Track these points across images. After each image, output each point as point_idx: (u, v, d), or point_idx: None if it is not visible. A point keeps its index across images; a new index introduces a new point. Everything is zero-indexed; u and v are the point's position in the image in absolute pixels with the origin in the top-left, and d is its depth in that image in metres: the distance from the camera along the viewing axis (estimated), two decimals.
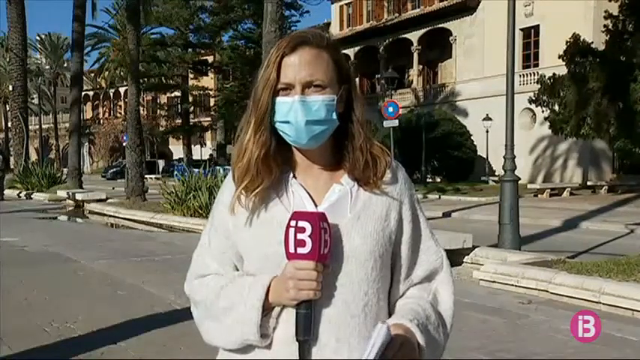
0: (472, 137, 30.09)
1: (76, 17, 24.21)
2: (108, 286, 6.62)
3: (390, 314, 1.34)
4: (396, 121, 17.80)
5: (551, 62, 24.76)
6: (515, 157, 9.49)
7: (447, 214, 16.25)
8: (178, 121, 51.35)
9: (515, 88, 10.27)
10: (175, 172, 21.74)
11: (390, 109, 17.61)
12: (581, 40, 20.48)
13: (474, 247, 7.84)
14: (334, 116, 1.27)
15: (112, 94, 63.69)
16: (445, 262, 1.40)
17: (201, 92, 49.60)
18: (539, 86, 22.11)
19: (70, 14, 25.57)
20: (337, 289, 1.24)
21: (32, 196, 21.71)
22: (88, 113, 62.58)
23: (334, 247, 1.22)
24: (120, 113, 58.42)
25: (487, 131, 28.23)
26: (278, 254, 1.21)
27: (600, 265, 6.41)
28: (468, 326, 4.86)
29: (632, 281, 5.77)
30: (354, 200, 1.30)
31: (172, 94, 53.30)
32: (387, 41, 38.11)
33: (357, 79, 40.22)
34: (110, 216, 15.52)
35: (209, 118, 51.52)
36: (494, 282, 6.56)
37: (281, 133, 1.28)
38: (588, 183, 26.57)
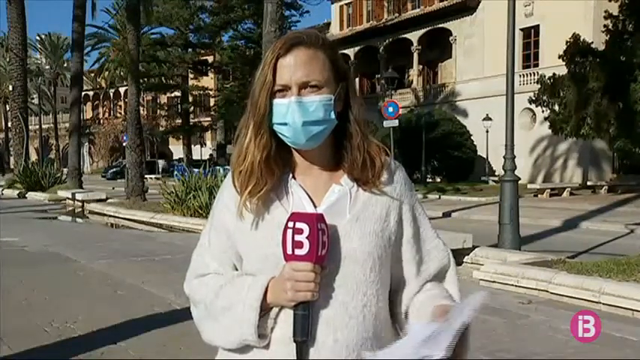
0: (472, 137, 30.09)
1: (76, 17, 24.22)
2: (108, 286, 6.62)
3: (392, 314, 1.34)
4: (396, 121, 17.81)
5: (551, 62, 24.76)
6: (515, 157, 9.49)
7: (447, 214, 16.25)
8: (178, 121, 51.36)
9: (515, 88, 10.27)
10: (175, 172, 21.71)
11: (390, 109, 17.61)
12: (581, 40, 20.47)
13: (474, 247, 7.84)
14: (332, 116, 1.27)
15: (112, 94, 63.70)
16: (452, 260, 1.41)
17: (201, 92, 49.62)
18: (539, 86, 22.10)
19: (70, 14, 25.59)
20: (335, 290, 1.24)
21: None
22: (88, 113, 62.59)
23: (332, 248, 1.21)
24: (120, 113, 58.42)
25: (487, 131, 28.24)
26: (276, 255, 1.21)
27: (600, 265, 6.41)
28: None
29: (632, 281, 5.77)
30: (353, 201, 1.30)
31: (172, 94, 53.30)
32: (387, 41, 38.10)
33: (357, 79, 40.29)
34: (110, 216, 15.51)
35: (209, 118, 51.53)
36: (494, 282, 6.57)
37: (279, 135, 1.28)
38: (588, 183, 26.57)
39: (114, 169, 46.39)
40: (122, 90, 55.87)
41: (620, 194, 22.87)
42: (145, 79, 42.92)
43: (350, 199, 1.29)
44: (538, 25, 30.06)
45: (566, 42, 20.69)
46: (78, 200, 18.50)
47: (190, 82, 49.98)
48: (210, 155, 48.65)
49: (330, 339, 1.23)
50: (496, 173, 25.45)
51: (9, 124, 38.24)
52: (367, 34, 39.25)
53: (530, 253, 8.14)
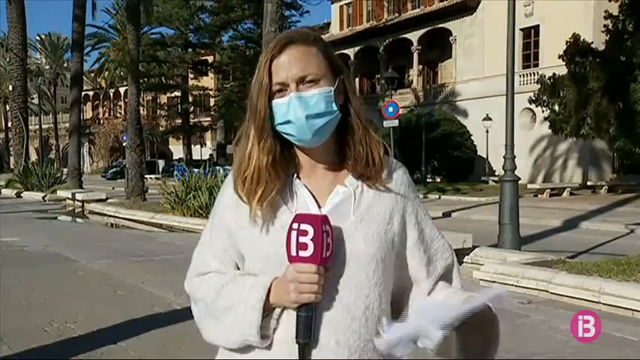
0: (472, 137, 30.10)
1: (76, 17, 24.22)
2: (108, 286, 6.62)
3: (395, 314, 1.34)
4: (396, 121, 17.81)
5: (551, 62, 24.76)
6: (515, 157, 9.49)
7: (447, 214, 16.25)
8: (178, 121, 51.39)
9: (515, 88, 10.27)
10: (175, 172, 21.71)
11: (390, 109, 17.61)
12: (581, 40, 20.47)
13: (473, 247, 7.84)
14: (334, 107, 1.27)
15: (112, 94, 63.70)
16: (455, 259, 1.42)
17: (201, 92, 49.65)
18: (539, 86, 22.11)
19: (70, 14, 25.58)
20: (338, 291, 1.24)
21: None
22: (88, 113, 62.59)
23: (336, 249, 1.21)
24: (120, 113, 58.42)
25: (487, 131, 28.24)
26: (280, 255, 1.21)
27: (600, 265, 6.41)
28: None
29: (632, 281, 5.77)
30: (358, 202, 1.29)
31: (172, 94, 53.33)
32: (387, 41, 38.10)
33: (357, 79, 40.30)
34: (110, 216, 15.51)
35: (209, 118, 51.54)
36: (494, 282, 6.56)
37: (284, 135, 1.28)
38: (588, 183, 26.57)
39: (114, 169, 46.40)
40: (122, 90, 55.88)
41: (620, 194, 22.87)
42: (145, 79, 42.94)
43: (354, 200, 1.29)
44: (538, 25, 30.06)
45: (566, 42, 20.69)
46: (78, 200, 18.50)
47: (190, 82, 50.00)
48: (210, 155, 48.67)
49: (332, 341, 1.22)
50: (496, 173, 25.45)
51: (9, 124, 38.24)
52: (367, 34, 39.25)
53: (530, 253, 8.13)
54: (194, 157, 46.55)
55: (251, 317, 1.23)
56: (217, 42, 47.06)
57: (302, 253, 1.16)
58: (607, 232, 12.69)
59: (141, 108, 24.58)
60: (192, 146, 50.88)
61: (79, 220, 15.87)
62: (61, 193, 20.28)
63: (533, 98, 22.16)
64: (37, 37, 64.94)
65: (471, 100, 32.74)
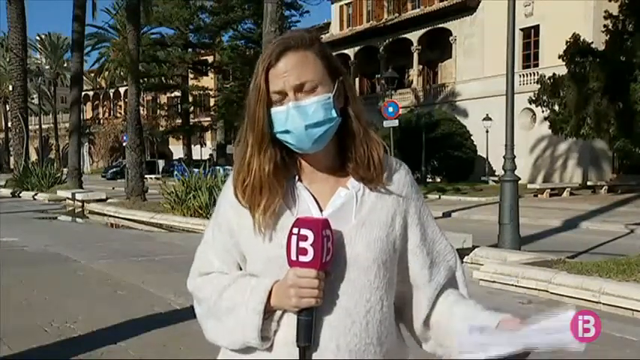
0: (472, 137, 30.09)
1: (76, 17, 24.21)
2: (108, 286, 6.62)
3: (398, 317, 1.34)
4: (396, 121, 17.81)
5: (551, 62, 24.76)
6: (515, 157, 9.49)
7: (447, 214, 16.24)
8: (178, 121, 51.36)
9: (515, 88, 10.27)
10: (175, 172, 21.71)
11: (390, 109, 17.62)
12: (581, 40, 20.47)
13: (474, 247, 7.85)
14: (334, 114, 1.25)
15: (112, 94, 63.71)
16: (459, 260, 1.41)
17: (201, 92, 49.62)
18: (539, 86, 22.10)
19: (70, 14, 25.62)
20: (339, 296, 1.23)
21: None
22: (88, 113, 62.60)
23: (337, 253, 1.20)
24: (120, 113, 58.42)
25: (487, 131, 28.24)
26: (280, 257, 1.20)
27: (600, 265, 6.40)
28: None
29: (632, 281, 5.77)
30: (359, 205, 1.28)
31: (172, 94, 53.31)
32: (387, 41, 38.10)
33: (357, 79, 40.27)
34: (110, 216, 15.51)
35: (209, 118, 51.51)
36: (494, 282, 6.56)
37: (284, 143, 1.27)
38: (588, 183, 26.57)
39: (114, 169, 46.37)
40: (122, 90, 55.88)
41: (620, 194, 22.87)
42: (145, 79, 42.91)
43: (356, 203, 1.28)
44: (538, 25, 30.06)
45: (566, 42, 20.69)
46: (78, 200, 18.51)
47: (190, 82, 49.97)
48: (210, 155, 48.66)
49: (332, 344, 1.22)
50: (496, 173, 25.44)
51: (9, 124, 38.21)
52: (367, 34, 39.24)
53: (530, 253, 8.13)
54: (194, 157, 46.51)
55: (252, 320, 1.23)
56: (217, 42, 47.04)
57: (302, 258, 1.16)
58: (607, 232, 12.68)
59: (141, 108, 24.56)
60: (192, 146, 50.85)
61: (79, 220, 15.86)
62: (61, 193, 20.28)
63: (533, 98, 22.15)
64: (37, 37, 64.97)
65: (471, 100, 32.73)
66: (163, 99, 57.67)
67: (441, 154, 28.94)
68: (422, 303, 1.34)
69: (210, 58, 48.74)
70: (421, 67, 37.59)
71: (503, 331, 1.18)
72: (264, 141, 1.26)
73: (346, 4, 42.65)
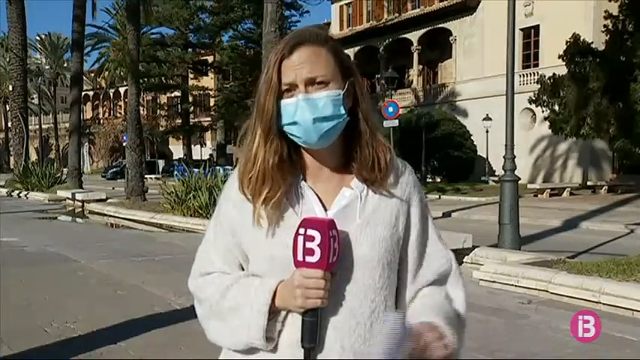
0: (472, 137, 30.10)
1: (76, 17, 24.21)
2: (108, 286, 6.62)
3: None
4: (396, 121, 17.81)
5: (551, 62, 24.75)
6: (515, 157, 9.49)
7: (447, 214, 16.24)
8: (178, 121, 51.35)
9: (515, 88, 10.27)
10: (175, 172, 21.71)
11: (390, 109, 17.62)
12: (581, 40, 20.47)
13: (473, 247, 7.84)
14: (342, 111, 1.25)
15: (112, 94, 63.70)
16: (454, 264, 1.38)
17: (201, 92, 49.62)
18: (539, 86, 22.09)
19: (70, 14, 25.58)
20: (344, 296, 1.23)
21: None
22: (88, 113, 62.59)
23: (342, 253, 1.20)
24: (120, 113, 58.43)
25: (487, 131, 28.24)
26: (284, 257, 1.20)
27: (600, 265, 6.40)
28: (467, 326, 4.86)
29: (632, 281, 5.77)
30: (364, 205, 1.28)
31: (172, 94, 53.28)
32: (387, 41, 38.10)
33: None
34: (110, 216, 15.51)
35: (209, 118, 51.50)
36: (494, 282, 6.57)
37: (290, 136, 1.26)
38: (588, 183, 26.57)
39: (114, 169, 46.35)
40: (122, 90, 55.87)
41: (620, 194, 22.88)
42: (145, 79, 42.87)
43: (360, 203, 1.28)
44: (538, 25, 30.06)
45: (566, 42, 20.68)
46: (78, 200, 18.50)
47: (190, 82, 49.96)
48: (210, 155, 48.65)
49: (337, 345, 1.22)
50: (496, 173, 25.44)
51: (9, 124, 38.22)
52: (367, 34, 39.24)
53: (530, 253, 8.13)
54: (194, 157, 46.50)
55: (257, 321, 1.22)
56: (217, 42, 47.01)
57: (309, 259, 1.15)
58: (607, 232, 12.68)
59: (141, 108, 24.56)
60: (192, 146, 50.84)
61: (79, 220, 15.86)
62: (61, 193, 20.28)
63: (533, 98, 22.14)
64: (37, 37, 64.95)
65: (470, 100, 32.73)
66: (163, 99, 57.65)
67: (441, 154, 28.94)
68: (401, 303, 1.34)
69: (210, 58, 48.74)
70: (421, 67, 37.59)
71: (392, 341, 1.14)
72: (271, 132, 1.26)
73: (346, 4, 42.65)
